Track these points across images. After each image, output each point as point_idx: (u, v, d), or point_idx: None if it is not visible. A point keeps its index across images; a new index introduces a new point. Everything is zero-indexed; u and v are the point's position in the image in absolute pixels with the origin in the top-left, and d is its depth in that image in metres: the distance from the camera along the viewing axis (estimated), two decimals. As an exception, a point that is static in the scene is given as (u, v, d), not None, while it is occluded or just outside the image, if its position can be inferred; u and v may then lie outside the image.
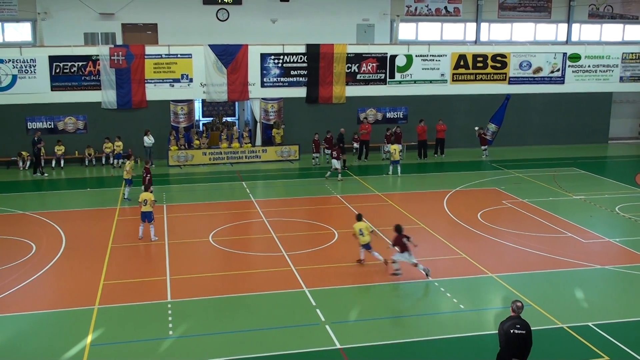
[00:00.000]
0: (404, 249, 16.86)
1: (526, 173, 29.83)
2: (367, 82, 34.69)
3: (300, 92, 34.13)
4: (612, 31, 42.08)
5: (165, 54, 32.59)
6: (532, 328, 11.16)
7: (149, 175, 24.25)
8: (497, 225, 21.71)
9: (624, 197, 25.38)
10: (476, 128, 33.43)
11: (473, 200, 25.04)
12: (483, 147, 33.69)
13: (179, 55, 32.72)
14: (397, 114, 35.43)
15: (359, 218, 18.11)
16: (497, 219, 22.51)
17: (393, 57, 34.71)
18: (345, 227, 21.30)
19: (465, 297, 15.96)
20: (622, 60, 37.12)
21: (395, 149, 29.35)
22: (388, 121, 35.15)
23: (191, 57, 32.83)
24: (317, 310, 14.99)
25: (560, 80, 36.85)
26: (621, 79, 37.33)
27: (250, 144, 33.01)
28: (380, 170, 30.84)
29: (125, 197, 24.96)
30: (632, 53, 37.19)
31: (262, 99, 33.84)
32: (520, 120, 36.78)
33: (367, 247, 17.65)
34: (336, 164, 28.37)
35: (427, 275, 16.81)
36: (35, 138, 30.03)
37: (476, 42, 36.80)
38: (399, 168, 29.38)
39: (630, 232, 21.38)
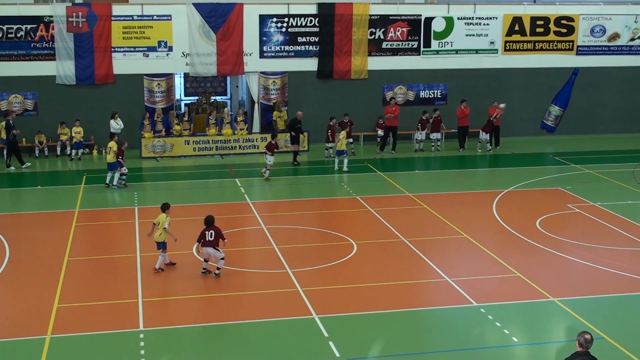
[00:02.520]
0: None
1: (598, 169, 29.74)
2: (395, 52, 34.67)
3: (310, 64, 34.14)
4: None
5: (138, 15, 32.69)
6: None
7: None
8: (561, 236, 21.65)
9: None
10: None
11: (530, 204, 25.00)
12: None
13: (155, 17, 32.82)
14: (433, 93, 35.41)
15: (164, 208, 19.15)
16: (561, 228, 22.46)
17: (429, 20, 34.66)
18: (367, 238, 21.37)
19: (519, 327, 15.90)
20: None
21: (343, 135, 29.18)
22: (422, 102, 35.10)
23: (171, 20, 32.92)
24: (330, 343, 14.97)
25: (644, 50, 36.78)
26: None
27: (245, 131, 33.10)
28: (411, 165, 30.84)
29: (114, 184, 26.71)
30: None
31: (261, 73, 33.88)
32: (591, 102, 36.63)
33: (162, 246, 18.79)
34: (269, 159, 28.07)
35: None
36: (10, 121, 30.16)
37: (535, 0, 36.71)
38: (345, 161, 29.12)
39: None
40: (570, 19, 35.84)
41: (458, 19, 34.89)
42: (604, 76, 36.60)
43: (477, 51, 35.35)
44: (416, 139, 33.72)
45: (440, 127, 33.41)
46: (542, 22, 35.64)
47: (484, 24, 35.21)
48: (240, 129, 32.89)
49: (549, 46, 35.96)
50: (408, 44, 34.66)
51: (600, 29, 36.19)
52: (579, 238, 21.49)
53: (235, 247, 20.72)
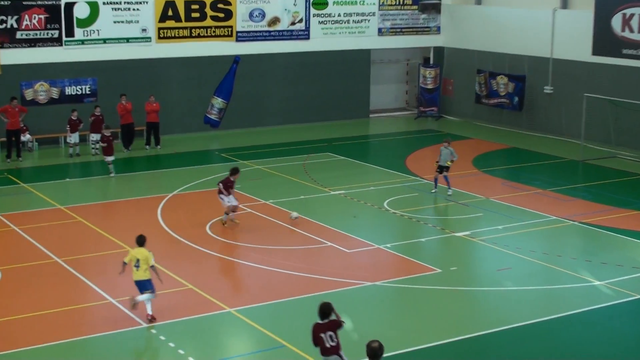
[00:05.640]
0: None
1: (267, 164, 30.94)
2: (33, 42, 33.43)
3: None
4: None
5: None
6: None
7: None
8: (234, 240, 22.28)
9: (393, 189, 27.48)
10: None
11: (198, 207, 25.39)
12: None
13: None
14: (81, 89, 34.60)
15: (140, 242, 17.26)
16: (233, 231, 23.07)
17: (70, 6, 33.84)
18: (14, 262, 20.60)
19: (195, 345, 16.19)
20: (380, 6, 40.01)
21: None
22: (69, 100, 34.12)
23: None
24: (-25, 393, 14.15)
25: (305, 34, 38.70)
26: (380, 32, 40.24)
27: None
28: (63, 173, 29.86)
29: None
30: (391, -3, 40.35)
31: None
32: (256, 92, 37.95)
33: (143, 285, 17.07)
34: None
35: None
36: None
37: (188, -17, 37.36)
38: None
39: (403, 234, 23.34)
40: (227, 2, 36.75)
41: (104, 4, 34.37)
42: (267, 64, 38.04)
43: (128, 40, 35.09)
44: (68, 142, 32.65)
45: (102, 127, 32.37)
46: (197, 7, 36.19)
47: (133, 9, 35.03)
48: None
49: (207, 32, 36.64)
50: (47, 33, 33.53)
51: (259, 13, 37.52)
52: (252, 240, 22.19)
53: None
